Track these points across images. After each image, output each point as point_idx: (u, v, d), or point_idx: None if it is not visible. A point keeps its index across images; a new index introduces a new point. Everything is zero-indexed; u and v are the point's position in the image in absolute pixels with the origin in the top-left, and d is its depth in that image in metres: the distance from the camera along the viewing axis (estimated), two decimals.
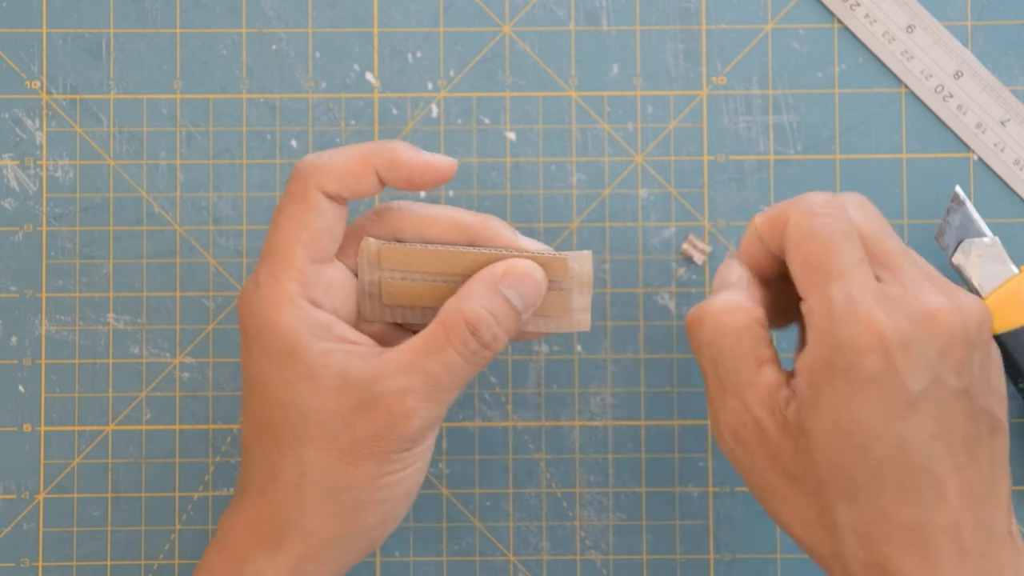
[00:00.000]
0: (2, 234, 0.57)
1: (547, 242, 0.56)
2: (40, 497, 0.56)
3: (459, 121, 0.57)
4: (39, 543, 0.56)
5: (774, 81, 0.57)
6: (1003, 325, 0.53)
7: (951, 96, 0.57)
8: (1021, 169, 0.57)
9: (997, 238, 0.54)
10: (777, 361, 0.47)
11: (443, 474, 0.57)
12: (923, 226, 0.57)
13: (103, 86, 0.57)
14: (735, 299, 0.47)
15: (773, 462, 0.46)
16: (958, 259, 0.54)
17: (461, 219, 0.49)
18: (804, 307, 0.46)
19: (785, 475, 0.46)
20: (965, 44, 0.57)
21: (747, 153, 0.57)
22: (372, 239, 0.49)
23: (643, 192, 0.57)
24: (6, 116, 0.57)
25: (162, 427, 0.56)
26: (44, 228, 0.57)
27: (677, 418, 0.57)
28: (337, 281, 0.49)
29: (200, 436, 0.56)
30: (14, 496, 0.56)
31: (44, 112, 0.57)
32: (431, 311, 0.49)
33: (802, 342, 0.49)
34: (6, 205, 0.57)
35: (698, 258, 0.55)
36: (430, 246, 0.49)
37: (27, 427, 0.56)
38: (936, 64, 0.57)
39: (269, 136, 0.57)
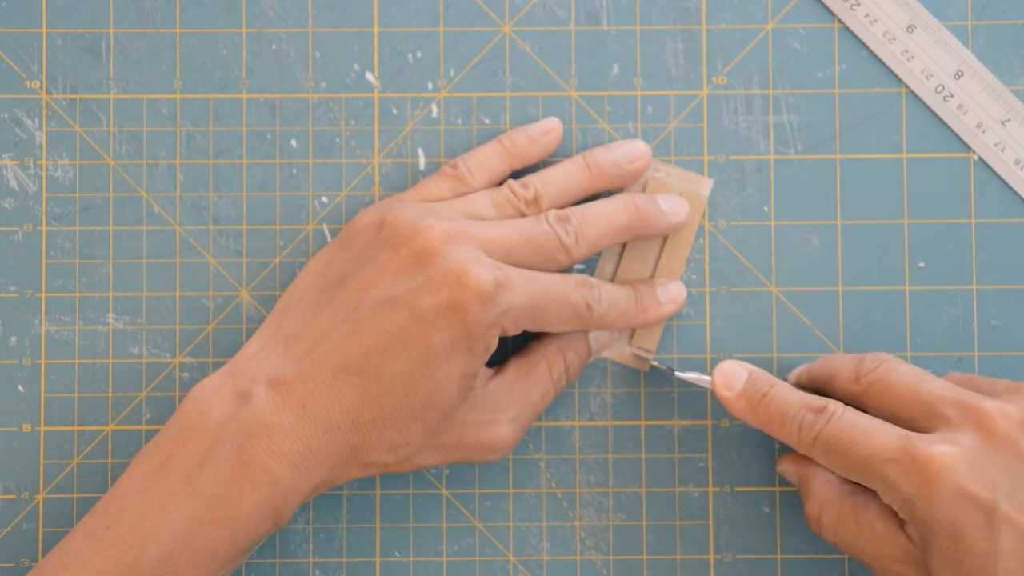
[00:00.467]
0: (2, 234, 0.57)
1: None
2: (40, 497, 0.56)
3: (459, 121, 0.57)
4: (39, 543, 0.56)
5: (774, 81, 0.57)
6: None
7: (951, 96, 0.57)
8: (1021, 169, 0.57)
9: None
10: (881, 510, 0.50)
11: (443, 474, 0.56)
12: (923, 226, 0.57)
13: (103, 86, 0.57)
14: (817, 497, 0.52)
15: None
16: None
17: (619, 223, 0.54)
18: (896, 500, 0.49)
19: None
20: (965, 44, 0.57)
21: (747, 153, 0.57)
22: None
23: None
24: (6, 116, 0.57)
25: (161, 427, 0.56)
26: (44, 228, 0.57)
27: (677, 418, 0.57)
28: None
29: None
30: (14, 496, 0.56)
31: (44, 112, 0.57)
32: None
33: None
34: (6, 205, 0.57)
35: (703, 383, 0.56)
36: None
37: (27, 427, 0.56)
38: (936, 64, 0.57)
39: (269, 136, 0.57)
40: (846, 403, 0.51)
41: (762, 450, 0.56)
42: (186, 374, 0.56)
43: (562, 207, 0.54)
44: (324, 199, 0.57)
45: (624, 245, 0.56)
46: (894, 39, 0.57)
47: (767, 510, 0.56)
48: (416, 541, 0.56)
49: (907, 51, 0.57)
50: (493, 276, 0.49)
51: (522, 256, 0.51)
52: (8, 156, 0.57)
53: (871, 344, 0.56)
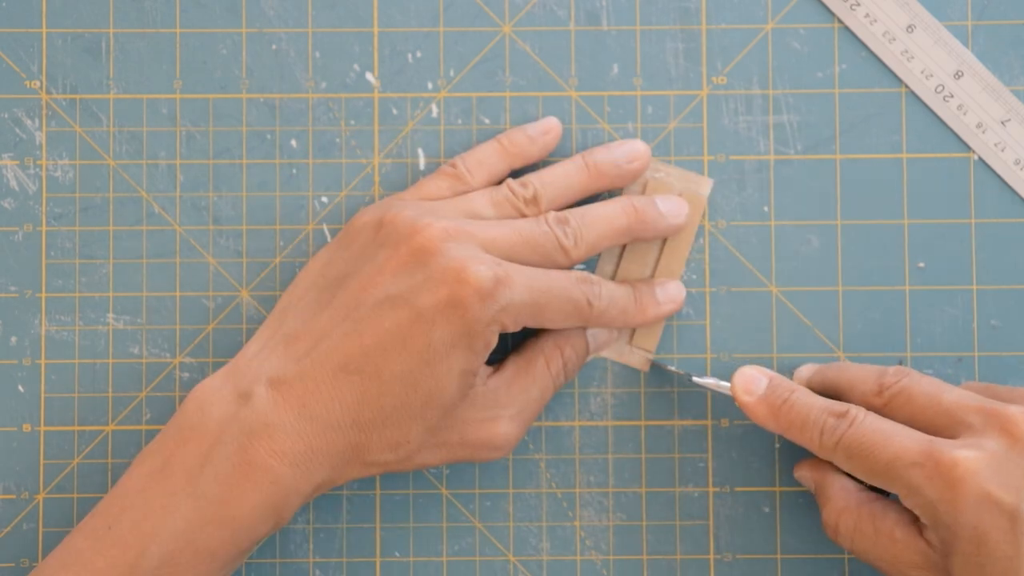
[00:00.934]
0: (2, 234, 0.57)
1: None
2: (40, 497, 0.56)
3: (459, 121, 0.57)
4: (39, 543, 0.56)
5: (774, 81, 0.57)
6: None
7: (951, 96, 0.57)
8: (1021, 169, 0.57)
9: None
10: (901, 517, 0.50)
11: (443, 474, 0.56)
12: (923, 226, 0.57)
13: (103, 86, 0.57)
14: (834, 504, 0.52)
15: None
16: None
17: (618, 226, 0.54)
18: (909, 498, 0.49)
19: None
20: (965, 44, 0.57)
21: (747, 153, 0.57)
22: None
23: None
24: (6, 116, 0.57)
25: (162, 427, 0.56)
26: (44, 228, 0.57)
27: (677, 418, 0.57)
28: None
29: None
30: (14, 496, 0.56)
31: (44, 112, 0.57)
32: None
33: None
34: (6, 205, 0.57)
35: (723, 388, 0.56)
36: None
37: (27, 427, 0.56)
38: (936, 64, 0.57)
39: (269, 136, 0.57)
40: None
41: (762, 450, 0.56)
42: (186, 374, 0.56)
43: (561, 207, 0.54)
44: (324, 199, 0.57)
45: (624, 246, 0.56)
46: (894, 39, 0.57)
47: (767, 510, 0.56)
48: (416, 541, 0.56)
49: (907, 51, 0.57)
50: (492, 273, 0.49)
51: (521, 256, 0.51)
52: (8, 156, 0.57)
53: (871, 344, 0.56)
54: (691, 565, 0.56)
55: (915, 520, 0.50)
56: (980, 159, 0.57)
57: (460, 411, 0.51)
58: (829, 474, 0.52)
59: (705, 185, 0.56)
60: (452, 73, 0.57)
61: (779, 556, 0.56)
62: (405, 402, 0.49)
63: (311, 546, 0.56)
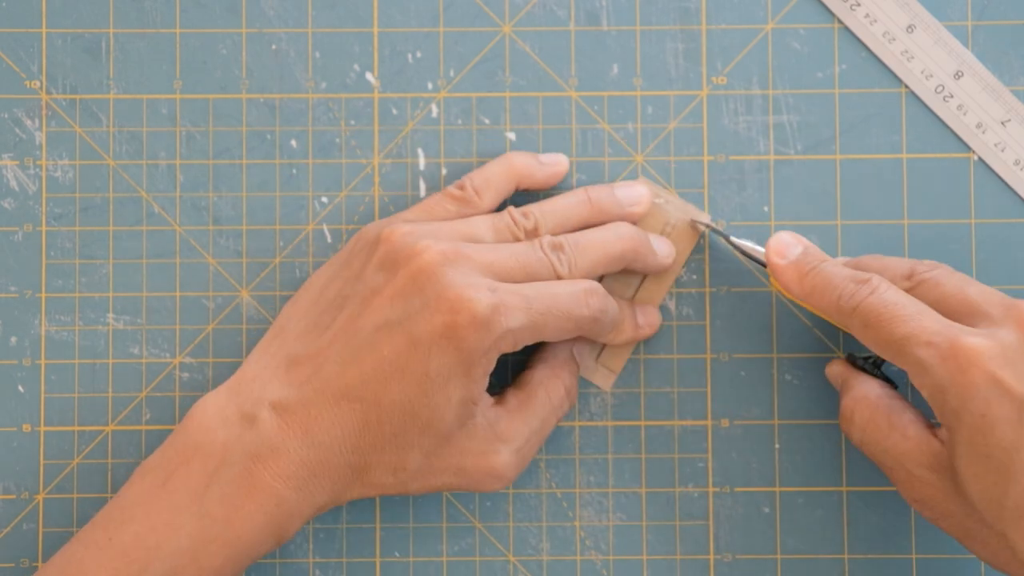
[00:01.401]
0: (2, 234, 0.57)
1: None
2: (40, 497, 0.56)
3: (459, 121, 0.57)
4: (39, 543, 0.56)
5: (774, 81, 0.57)
6: None
7: (951, 96, 0.57)
8: (1021, 169, 0.57)
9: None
10: (917, 417, 0.50)
11: None
12: (923, 226, 0.57)
13: (103, 86, 0.57)
14: (853, 393, 0.52)
15: (959, 509, 0.48)
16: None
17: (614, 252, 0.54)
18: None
19: (974, 519, 0.48)
20: (965, 44, 0.57)
21: (747, 153, 0.57)
22: None
23: None
24: (6, 116, 0.57)
25: (162, 427, 0.56)
26: (44, 228, 0.57)
27: (677, 418, 0.57)
28: None
29: None
30: (14, 496, 0.56)
31: (44, 112, 0.57)
32: None
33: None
34: (6, 205, 0.57)
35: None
36: None
37: (27, 427, 0.56)
38: (936, 64, 0.57)
39: (269, 136, 0.57)
40: None
41: (762, 450, 0.56)
42: (186, 374, 0.56)
43: None
44: (324, 199, 0.57)
45: None
46: (894, 39, 0.57)
47: (767, 510, 0.56)
48: (416, 541, 0.56)
49: (907, 51, 0.57)
50: (489, 301, 0.48)
51: (515, 280, 0.51)
52: (8, 156, 0.57)
53: None
54: (691, 565, 0.56)
55: (929, 423, 0.50)
56: (980, 159, 0.57)
57: (460, 441, 0.51)
58: (855, 371, 0.53)
59: (703, 219, 0.56)
60: (452, 73, 0.57)
61: (779, 556, 0.56)
62: (404, 429, 0.49)
63: (311, 546, 0.56)
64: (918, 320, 0.48)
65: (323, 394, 0.49)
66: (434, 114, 0.57)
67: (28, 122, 0.57)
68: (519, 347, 0.50)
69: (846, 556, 0.56)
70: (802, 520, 0.56)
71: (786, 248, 0.53)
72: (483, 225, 0.53)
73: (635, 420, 0.57)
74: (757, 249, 0.54)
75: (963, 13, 0.57)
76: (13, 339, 0.56)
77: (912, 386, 0.54)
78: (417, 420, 0.49)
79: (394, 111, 0.57)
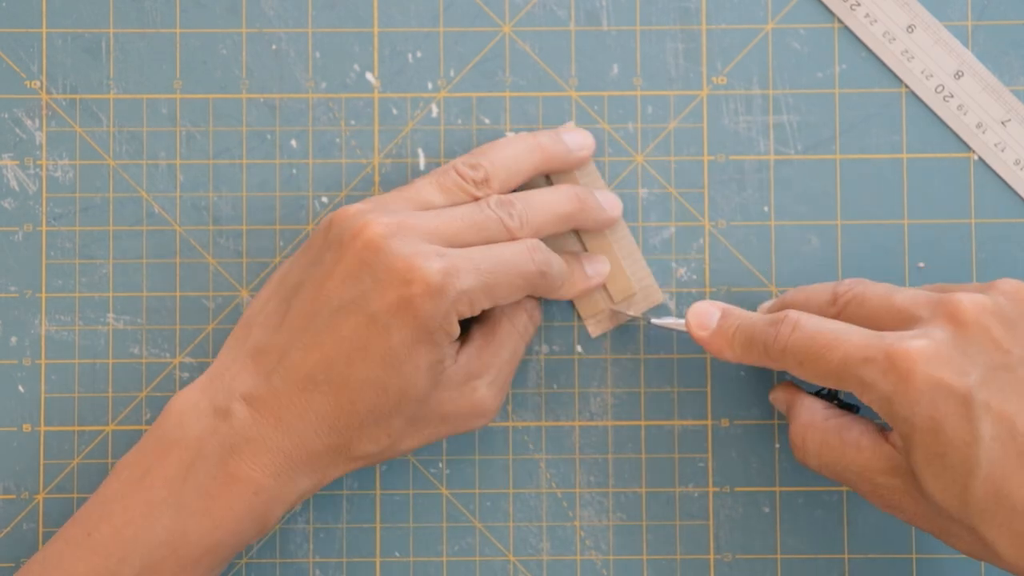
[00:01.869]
0: (2, 234, 0.57)
1: None
2: (40, 497, 0.56)
3: (459, 121, 0.57)
4: (39, 543, 0.56)
5: (774, 81, 0.57)
6: None
7: (951, 96, 0.57)
8: (1021, 169, 0.57)
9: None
10: (866, 428, 0.50)
11: (443, 474, 0.57)
12: (923, 226, 0.57)
13: (103, 86, 0.57)
14: (800, 420, 0.52)
15: (928, 509, 0.48)
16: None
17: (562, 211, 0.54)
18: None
19: (944, 517, 0.48)
20: (965, 44, 0.57)
21: (747, 153, 0.57)
22: None
23: (643, 192, 0.57)
24: (6, 116, 0.57)
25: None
26: (44, 228, 0.57)
27: (677, 418, 0.57)
28: None
29: None
30: (14, 496, 0.56)
31: (44, 112, 0.57)
32: None
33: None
34: (6, 205, 0.57)
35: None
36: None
37: (27, 427, 0.56)
38: (936, 64, 0.57)
39: (269, 136, 0.57)
40: None
41: (762, 450, 0.56)
42: (186, 374, 0.56)
43: (510, 189, 0.54)
44: (324, 199, 0.57)
45: None
46: (894, 39, 0.57)
47: (767, 510, 0.56)
48: (416, 541, 0.56)
49: (907, 51, 0.57)
50: (439, 267, 0.48)
51: (467, 242, 0.51)
52: (8, 156, 0.57)
53: None
54: (691, 565, 0.56)
55: (880, 429, 0.50)
56: (980, 159, 0.57)
57: (436, 393, 0.51)
58: (798, 394, 0.53)
59: (626, 308, 0.57)
60: (452, 73, 0.57)
61: (779, 556, 0.56)
62: (378, 403, 0.49)
63: (311, 546, 0.56)
64: (847, 341, 0.48)
65: (290, 382, 0.50)
66: (434, 114, 0.57)
67: (28, 122, 0.57)
68: (476, 310, 0.50)
69: (846, 556, 0.56)
70: (802, 520, 0.56)
71: (705, 318, 0.52)
72: (429, 188, 0.52)
73: (635, 420, 0.57)
74: (678, 322, 0.54)
75: (963, 13, 0.57)
76: (13, 339, 0.56)
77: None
78: (389, 393, 0.49)
79: (394, 111, 0.57)
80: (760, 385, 0.56)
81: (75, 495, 0.56)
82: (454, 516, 0.56)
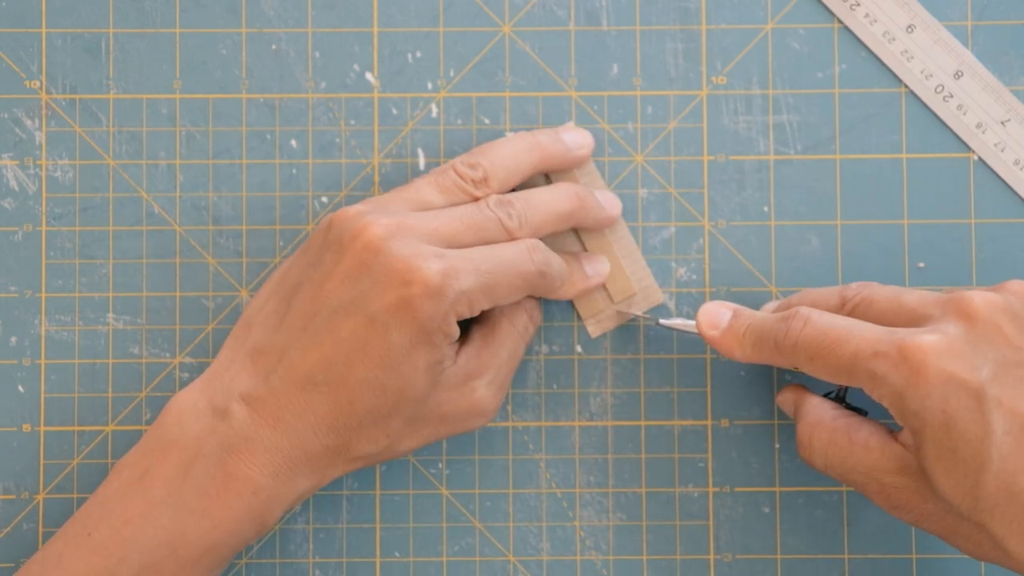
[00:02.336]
0: (2, 234, 0.57)
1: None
2: (40, 497, 0.56)
3: (459, 121, 0.57)
4: (39, 543, 0.56)
5: (774, 81, 0.57)
6: None
7: (951, 96, 0.57)
8: (1021, 169, 0.57)
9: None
10: (875, 428, 0.50)
11: (443, 474, 0.57)
12: (923, 226, 0.57)
13: (102, 86, 0.57)
14: (808, 419, 0.52)
15: (936, 508, 0.48)
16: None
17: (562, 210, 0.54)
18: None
19: (952, 516, 0.48)
20: (965, 44, 0.57)
21: (747, 153, 0.57)
22: None
23: (643, 192, 0.57)
24: (6, 116, 0.57)
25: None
26: (44, 228, 0.57)
27: (677, 418, 0.57)
28: None
29: None
30: (13, 496, 0.56)
31: (43, 112, 0.57)
32: None
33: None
34: (6, 205, 0.57)
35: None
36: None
37: (27, 427, 0.56)
38: (936, 64, 0.57)
39: (269, 136, 0.57)
40: None
41: (762, 450, 0.56)
42: (186, 374, 0.56)
43: (509, 189, 0.54)
44: (324, 199, 0.57)
45: None
46: (894, 39, 0.57)
47: (767, 510, 0.56)
48: (416, 541, 0.56)
49: (907, 51, 0.57)
50: (438, 268, 0.48)
51: (466, 242, 0.51)
52: (8, 156, 0.57)
53: None
54: (691, 565, 0.56)
55: (889, 431, 0.50)
56: (980, 159, 0.57)
57: (435, 394, 0.51)
58: (806, 395, 0.53)
59: (632, 308, 0.57)
60: (452, 73, 0.57)
61: (779, 556, 0.56)
62: (376, 404, 0.49)
63: (311, 546, 0.56)
64: (858, 335, 0.48)
65: (289, 382, 0.50)
66: (434, 114, 0.57)
67: (28, 122, 0.57)
68: (476, 311, 0.50)
69: (846, 556, 0.56)
70: (802, 520, 0.56)
71: (716, 318, 0.53)
72: (429, 188, 0.53)
73: (635, 420, 0.57)
74: (688, 323, 0.54)
75: (963, 13, 0.57)
76: (13, 339, 0.56)
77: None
78: (388, 394, 0.49)
79: (394, 111, 0.57)
80: (760, 385, 0.56)
81: (75, 495, 0.56)
82: (454, 516, 0.56)
